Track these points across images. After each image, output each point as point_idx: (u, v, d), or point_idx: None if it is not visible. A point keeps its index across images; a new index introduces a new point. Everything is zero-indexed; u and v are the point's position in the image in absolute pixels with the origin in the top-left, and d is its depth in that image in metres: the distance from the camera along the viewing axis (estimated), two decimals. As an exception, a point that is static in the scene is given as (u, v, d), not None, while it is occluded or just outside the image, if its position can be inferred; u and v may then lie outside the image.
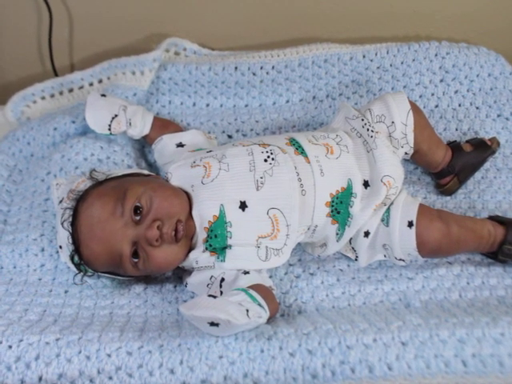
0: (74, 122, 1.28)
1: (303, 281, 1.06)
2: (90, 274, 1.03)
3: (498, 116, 1.35)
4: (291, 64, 1.39)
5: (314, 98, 1.38)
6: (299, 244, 1.12)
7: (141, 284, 1.06)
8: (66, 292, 1.03)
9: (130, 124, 1.20)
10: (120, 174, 1.07)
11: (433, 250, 1.05)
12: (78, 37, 1.53)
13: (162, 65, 1.40)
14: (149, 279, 1.09)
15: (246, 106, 1.39)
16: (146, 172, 1.12)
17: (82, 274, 1.02)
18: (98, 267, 1.01)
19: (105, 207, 0.96)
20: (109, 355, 0.83)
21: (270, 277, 1.06)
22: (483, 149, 1.24)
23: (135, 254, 0.97)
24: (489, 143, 1.24)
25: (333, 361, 0.83)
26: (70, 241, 0.98)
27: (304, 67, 1.39)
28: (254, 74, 1.39)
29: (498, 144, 1.26)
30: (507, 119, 1.34)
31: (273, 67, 1.39)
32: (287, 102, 1.38)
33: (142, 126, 1.22)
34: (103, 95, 1.23)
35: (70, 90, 1.41)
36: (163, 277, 1.11)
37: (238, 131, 1.35)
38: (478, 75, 1.37)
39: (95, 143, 1.23)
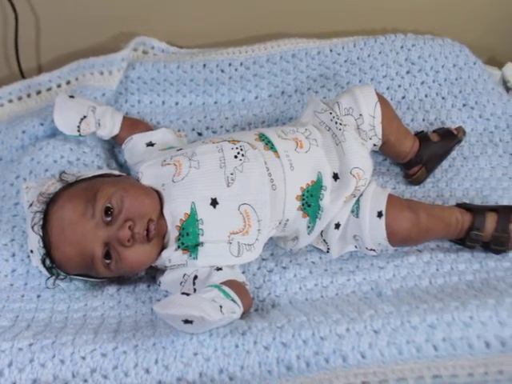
0: (42, 125, 1.27)
1: (276, 275, 1.07)
2: (62, 277, 1.02)
3: (464, 105, 1.37)
4: (259, 60, 1.40)
5: (282, 93, 1.39)
6: (271, 238, 1.13)
7: (114, 285, 1.06)
8: (38, 296, 1.02)
9: (100, 125, 1.20)
10: (90, 175, 1.06)
11: (402, 238, 1.06)
12: (45, 38, 1.51)
13: (131, 64, 1.39)
14: (122, 280, 1.08)
15: (216, 103, 1.38)
16: (116, 172, 1.11)
17: (54, 277, 1.01)
18: (70, 270, 1.00)
19: (75, 209, 0.96)
20: (83, 358, 0.83)
21: (243, 272, 1.06)
22: (449, 138, 1.26)
23: (107, 255, 0.96)
24: (455, 132, 1.27)
25: (307, 352, 0.84)
26: (41, 244, 0.97)
27: (272, 63, 1.40)
28: (222, 71, 1.39)
29: (464, 133, 1.28)
30: (472, 108, 1.36)
31: (241, 64, 1.40)
32: (256, 97, 1.39)
33: (111, 127, 1.21)
34: (71, 96, 1.22)
35: (38, 92, 1.39)
36: (136, 277, 1.10)
37: (207, 128, 1.34)
38: (443, 66, 1.39)
39: (65, 145, 1.22)
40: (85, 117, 1.19)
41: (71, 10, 1.46)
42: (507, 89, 1.48)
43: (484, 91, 1.38)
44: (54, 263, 0.98)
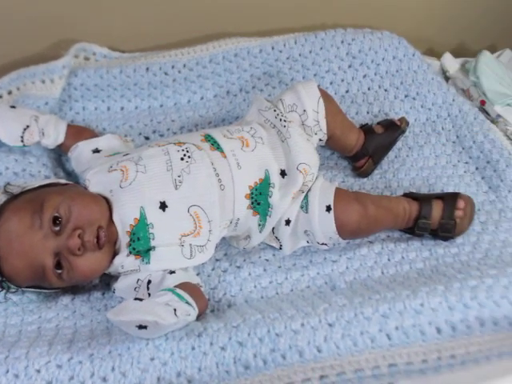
0: (-15, 137, 1.24)
1: (231, 274, 1.07)
2: (13, 290, 0.99)
3: (406, 96, 1.41)
4: (202, 61, 1.40)
5: (227, 92, 1.40)
6: (224, 238, 1.13)
7: (68, 295, 1.04)
8: (-10, 312, 1.00)
9: (43, 134, 1.17)
10: (36, 186, 1.04)
11: (352, 231, 1.08)
12: (-18, 48, 1.48)
13: (73, 71, 1.37)
14: (76, 289, 1.07)
15: (161, 106, 1.38)
16: (63, 181, 1.10)
17: (4, 291, 0.99)
18: (21, 282, 0.98)
19: (22, 221, 0.94)
20: (38, 371, 0.81)
21: (198, 274, 1.06)
22: (393, 129, 1.28)
23: (58, 265, 0.95)
24: (398, 123, 1.29)
25: (263, 350, 0.85)
26: (-11, 259, 0.95)
27: (215, 63, 1.40)
28: (166, 74, 1.38)
29: (407, 123, 1.30)
30: (414, 99, 1.40)
31: (184, 65, 1.39)
32: (201, 98, 1.39)
33: (55, 135, 1.19)
34: (13, 107, 1.19)
35: (-21, 105, 1.36)
36: (90, 285, 1.09)
37: (154, 132, 1.34)
38: (383, 59, 1.42)
39: (9, 156, 1.18)
40: (28, 126, 1.16)
41: (7, 19, 1.42)
42: (446, 78, 1.53)
43: (424, 82, 1.42)
44: (3, 277, 0.96)
